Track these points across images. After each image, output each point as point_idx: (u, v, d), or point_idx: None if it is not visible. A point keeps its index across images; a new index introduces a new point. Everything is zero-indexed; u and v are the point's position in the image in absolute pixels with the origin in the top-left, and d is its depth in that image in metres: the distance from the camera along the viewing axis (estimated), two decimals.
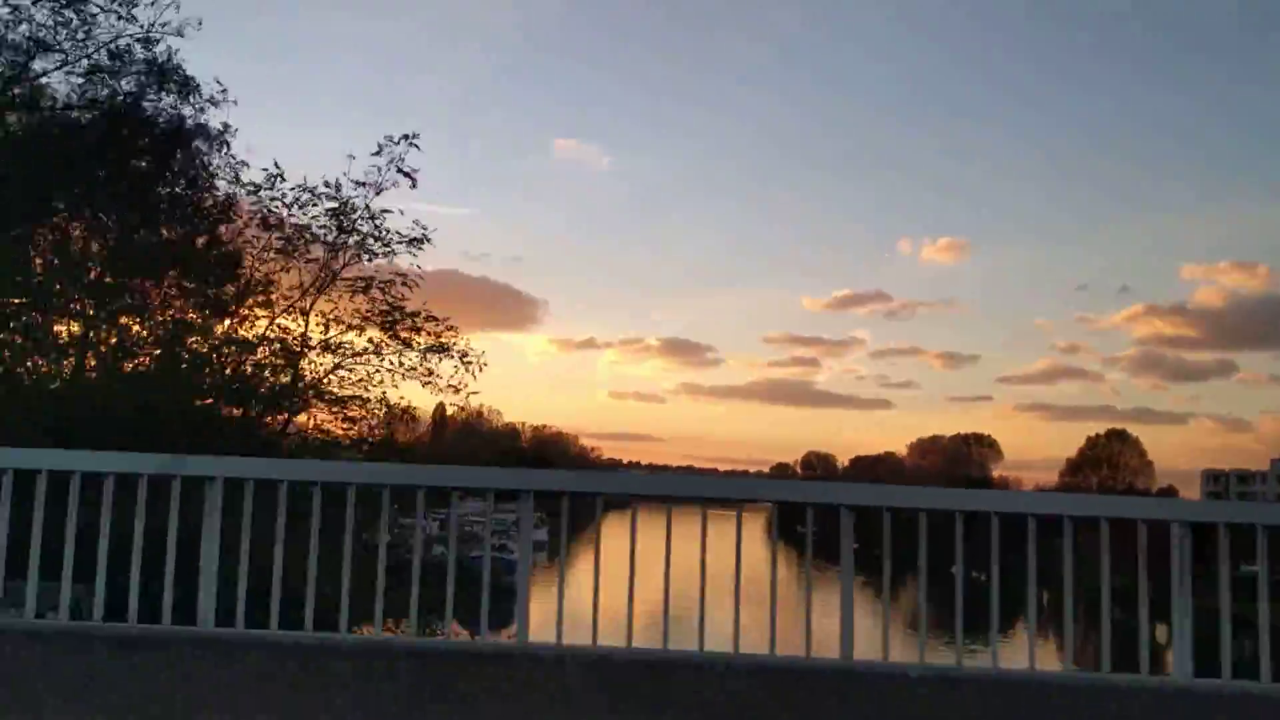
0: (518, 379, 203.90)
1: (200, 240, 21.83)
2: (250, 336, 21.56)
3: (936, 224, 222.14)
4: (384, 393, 22.06)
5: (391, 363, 22.02)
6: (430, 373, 22.37)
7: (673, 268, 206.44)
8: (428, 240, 21.98)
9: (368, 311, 21.66)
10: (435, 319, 22.12)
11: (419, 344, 22.02)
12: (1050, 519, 5.26)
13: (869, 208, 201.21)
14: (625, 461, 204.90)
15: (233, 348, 21.29)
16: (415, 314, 21.96)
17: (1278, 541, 5.11)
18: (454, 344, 22.33)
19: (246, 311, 21.68)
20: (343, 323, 21.72)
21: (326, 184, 21.35)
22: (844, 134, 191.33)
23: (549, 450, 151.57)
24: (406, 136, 21.69)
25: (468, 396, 22.12)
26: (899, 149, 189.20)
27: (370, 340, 21.91)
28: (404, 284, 21.86)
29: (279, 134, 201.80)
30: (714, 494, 5.66)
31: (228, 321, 21.63)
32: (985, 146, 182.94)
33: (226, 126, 21.58)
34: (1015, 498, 5.51)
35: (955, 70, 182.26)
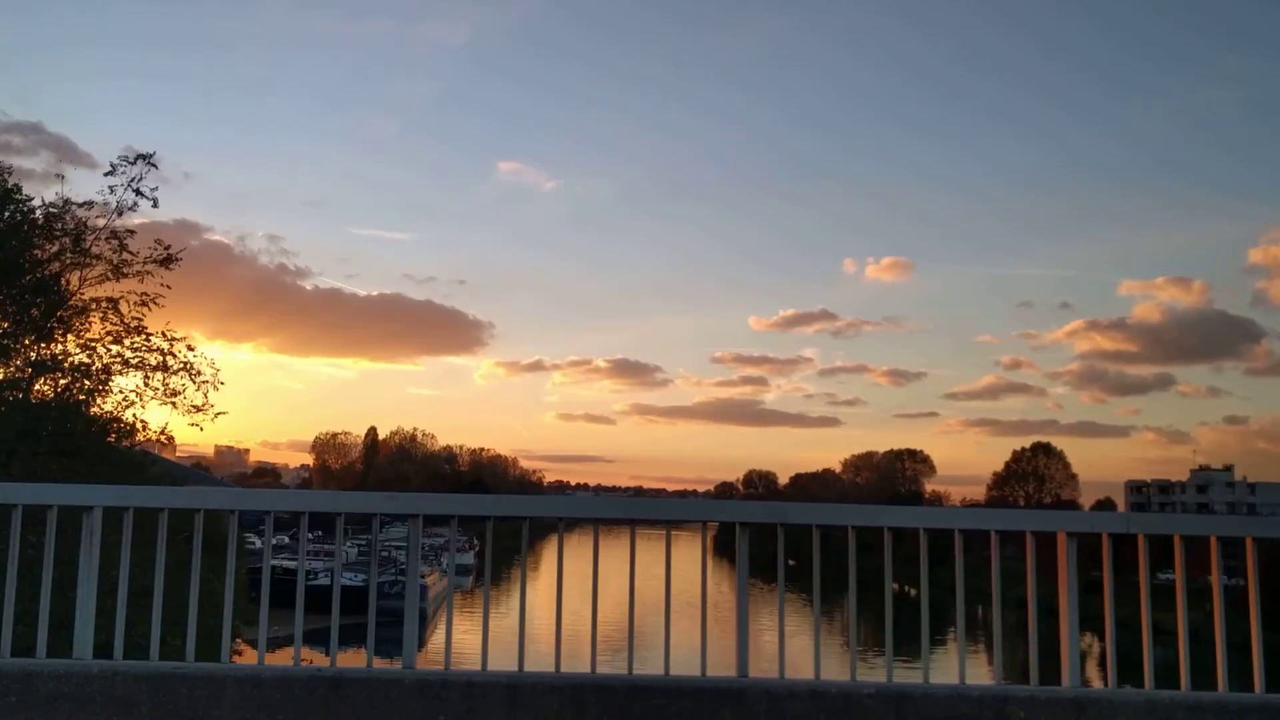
0: (464, 402, 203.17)
1: None
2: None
3: (879, 243, 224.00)
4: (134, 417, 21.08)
5: (137, 385, 21.05)
6: (174, 393, 21.07)
7: (620, 289, 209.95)
8: (175, 260, 21.56)
9: (109, 332, 20.96)
10: (172, 338, 21.33)
11: (149, 361, 21.08)
12: (971, 532, 5.37)
13: (812, 227, 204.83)
14: (573, 483, 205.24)
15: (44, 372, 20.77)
16: (145, 331, 21.17)
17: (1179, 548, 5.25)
18: (181, 361, 21.26)
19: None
20: (90, 347, 20.94)
21: (53, 206, 20.96)
22: (785, 154, 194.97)
23: (486, 473, 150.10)
24: (144, 156, 21.21)
25: (214, 417, 21.42)
26: (840, 168, 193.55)
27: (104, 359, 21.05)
28: (144, 303, 21.11)
29: (227, 165, 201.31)
30: (626, 515, 5.46)
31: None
32: (926, 165, 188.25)
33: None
34: (907, 513, 5.51)
35: (895, 88, 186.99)
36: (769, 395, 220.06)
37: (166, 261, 21.41)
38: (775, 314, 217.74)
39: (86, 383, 20.53)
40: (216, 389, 21.38)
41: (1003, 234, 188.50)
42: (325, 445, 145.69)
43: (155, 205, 21.39)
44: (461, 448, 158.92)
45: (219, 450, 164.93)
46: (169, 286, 21.50)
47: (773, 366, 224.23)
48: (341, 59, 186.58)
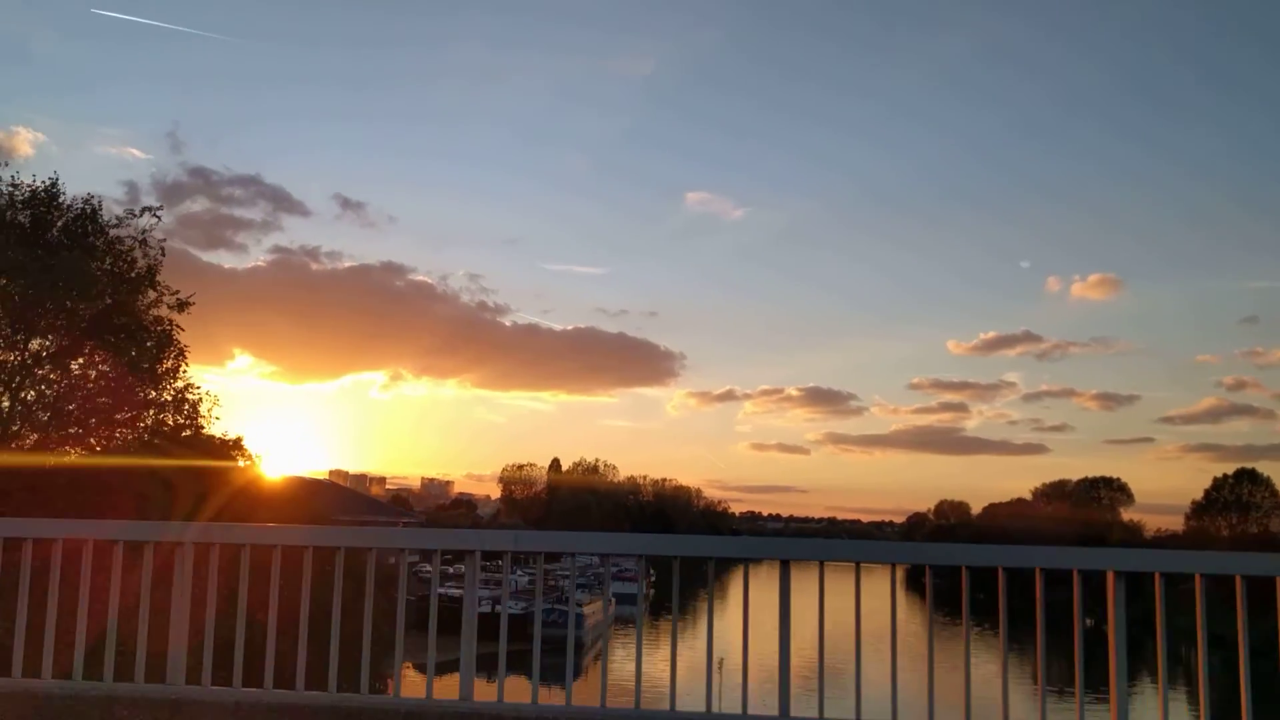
0: (657, 433, 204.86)
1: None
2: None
3: (1085, 260, 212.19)
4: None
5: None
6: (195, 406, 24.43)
7: (810, 315, 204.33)
8: (188, 304, 24.68)
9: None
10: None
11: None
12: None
13: (1011, 244, 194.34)
14: (764, 514, 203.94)
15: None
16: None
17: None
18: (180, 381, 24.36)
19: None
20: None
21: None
22: (982, 168, 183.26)
23: (669, 505, 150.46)
24: (149, 209, 24.34)
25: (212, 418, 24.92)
26: (1042, 179, 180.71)
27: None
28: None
29: (427, 206, 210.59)
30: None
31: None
32: (1136, 174, 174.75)
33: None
34: (1048, 554, 5.23)
35: (1100, 93, 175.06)
36: (970, 422, 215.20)
37: (181, 307, 24.61)
38: (975, 337, 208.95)
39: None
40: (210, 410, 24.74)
41: (1219, 247, 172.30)
42: (512, 477, 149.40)
43: (163, 254, 24.38)
44: (645, 478, 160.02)
45: (424, 482, 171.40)
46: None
47: (973, 392, 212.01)
48: (531, 97, 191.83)
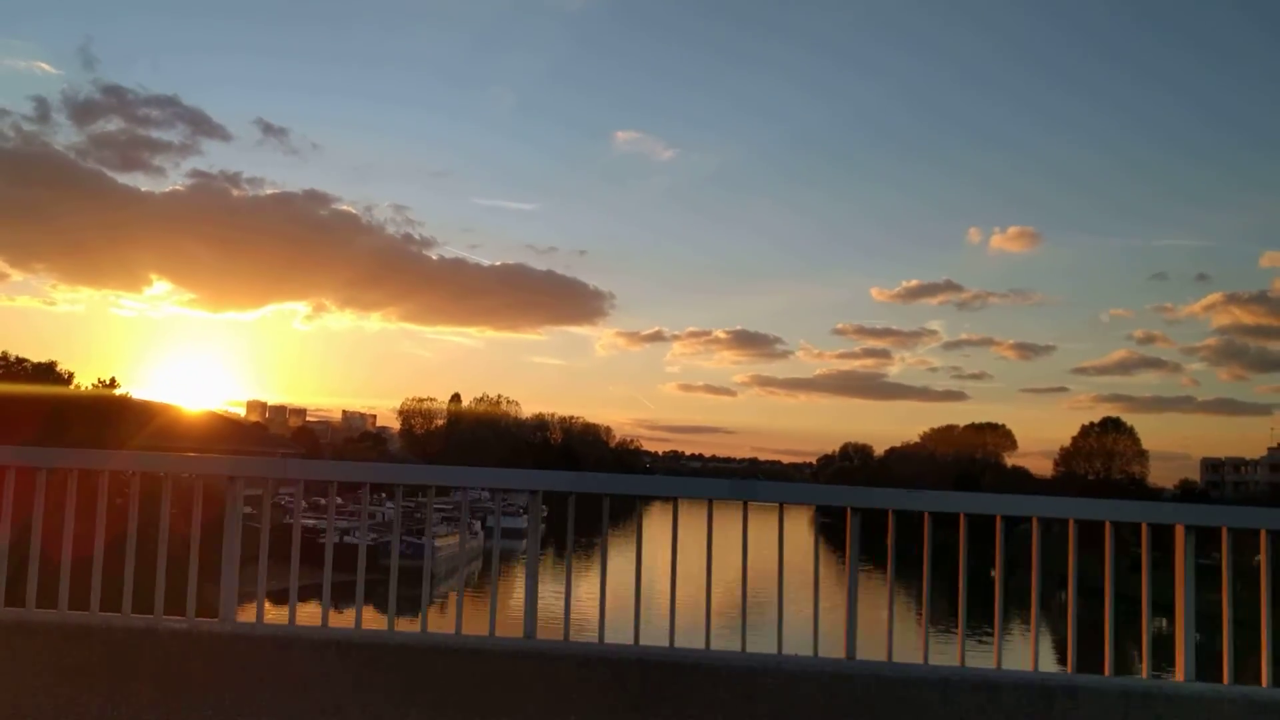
0: (586, 372, 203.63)
1: None
2: None
3: (1004, 212, 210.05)
4: None
5: None
6: None
7: (738, 258, 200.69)
8: None
9: None
10: None
11: None
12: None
13: (935, 195, 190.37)
14: (686, 453, 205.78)
15: None
16: None
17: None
18: None
19: None
20: None
21: None
22: (909, 118, 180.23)
23: (576, 443, 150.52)
24: None
25: None
26: (965, 133, 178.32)
27: None
28: None
29: (353, 137, 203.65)
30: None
31: None
32: (1054, 130, 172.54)
33: None
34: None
35: (1025, 49, 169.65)
36: (893, 368, 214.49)
37: None
38: (898, 284, 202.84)
39: None
40: None
41: (1137, 200, 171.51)
42: (411, 409, 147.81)
43: None
44: (554, 415, 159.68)
45: (345, 415, 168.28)
46: None
47: (896, 338, 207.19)
48: (456, 32, 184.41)
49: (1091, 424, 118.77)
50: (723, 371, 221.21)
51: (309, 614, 5.62)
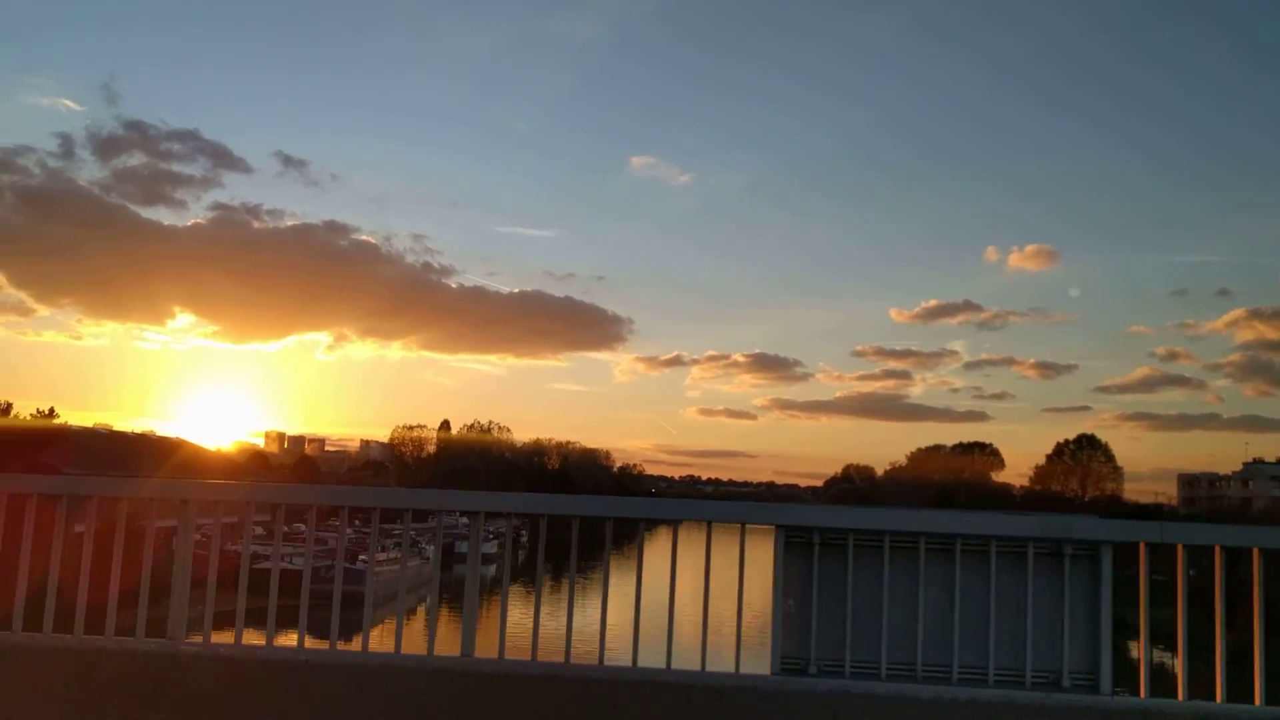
0: (606, 397, 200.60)
1: None
2: None
3: (1022, 231, 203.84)
4: None
5: None
6: None
7: (757, 282, 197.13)
8: None
9: None
10: None
11: None
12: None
13: (952, 215, 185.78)
14: (703, 478, 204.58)
15: None
16: None
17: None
18: None
19: None
20: None
21: None
22: (923, 139, 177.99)
23: (573, 469, 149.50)
24: None
25: None
26: (981, 153, 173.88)
27: None
28: None
29: (371, 167, 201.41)
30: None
31: None
32: (1071, 150, 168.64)
33: None
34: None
35: (1036, 66, 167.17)
36: (914, 389, 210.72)
37: None
38: (917, 305, 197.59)
39: None
40: None
41: (1152, 220, 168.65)
42: (401, 439, 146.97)
43: None
44: (550, 440, 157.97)
45: (363, 444, 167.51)
46: None
47: (916, 360, 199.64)
48: (472, 62, 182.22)
49: (1066, 441, 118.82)
50: (743, 395, 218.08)
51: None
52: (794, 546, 5.44)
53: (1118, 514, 79.15)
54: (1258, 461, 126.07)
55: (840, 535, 5.41)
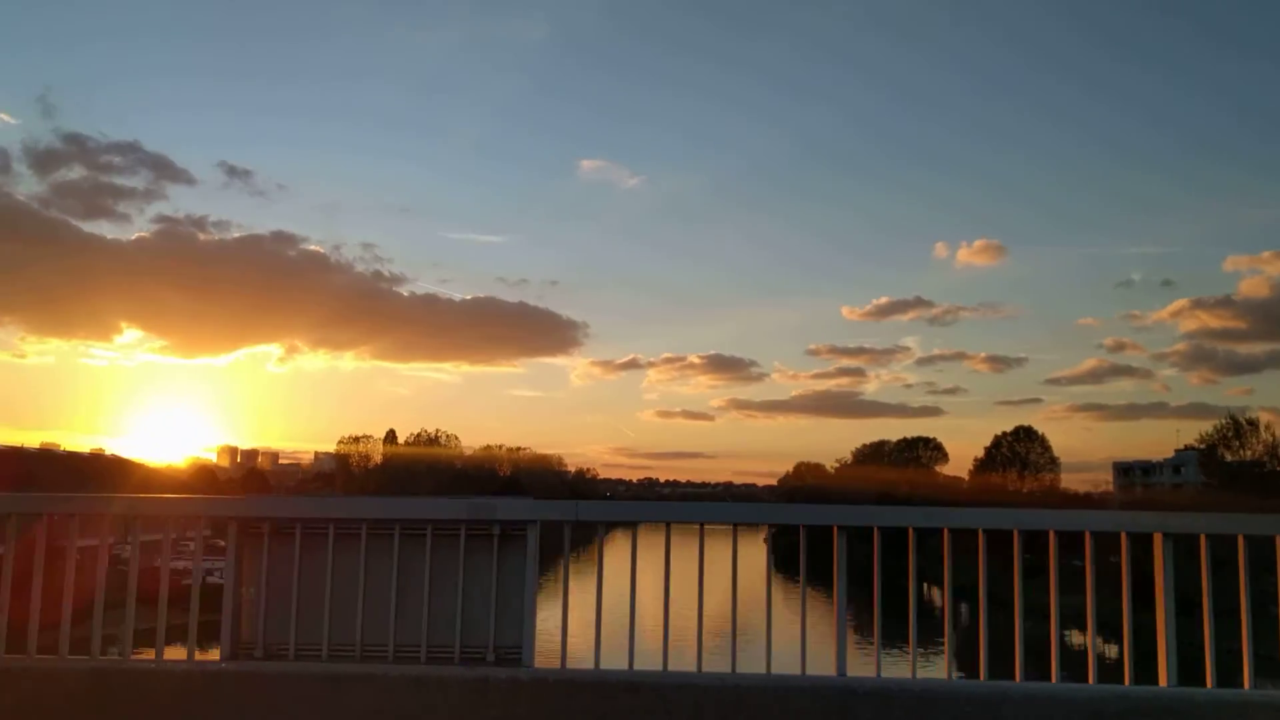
0: (563, 402, 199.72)
1: None
2: None
3: (970, 225, 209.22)
4: None
5: None
6: None
7: (710, 283, 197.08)
8: None
9: None
10: None
11: None
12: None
13: (904, 211, 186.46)
14: (662, 480, 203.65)
15: None
16: None
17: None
18: None
19: None
20: None
21: None
22: (869, 135, 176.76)
23: (524, 475, 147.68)
24: None
25: None
26: (927, 146, 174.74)
27: None
28: None
29: (318, 176, 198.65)
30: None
31: None
32: (1017, 139, 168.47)
33: None
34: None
35: (979, 64, 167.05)
36: (869, 386, 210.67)
37: None
38: (868, 303, 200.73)
39: None
40: None
41: (1099, 210, 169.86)
42: (348, 450, 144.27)
43: None
44: (501, 447, 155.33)
45: (317, 456, 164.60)
46: None
47: (870, 357, 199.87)
48: (420, 68, 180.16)
49: (1004, 434, 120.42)
50: (700, 397, 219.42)
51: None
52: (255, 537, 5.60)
53: (1054, 504, 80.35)
54: (1189, 448, 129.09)
55: (292, 526, 5.57)
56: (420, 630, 5.38)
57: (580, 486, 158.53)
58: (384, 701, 4.95)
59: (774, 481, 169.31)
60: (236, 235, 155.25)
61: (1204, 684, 4.94)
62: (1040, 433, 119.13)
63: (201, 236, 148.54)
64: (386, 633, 5.37)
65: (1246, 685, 4.95)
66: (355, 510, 5.70)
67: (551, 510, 5.51)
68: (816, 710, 4.85)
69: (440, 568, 5.45)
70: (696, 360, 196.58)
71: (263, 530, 5.53)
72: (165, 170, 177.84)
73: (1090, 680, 5.01)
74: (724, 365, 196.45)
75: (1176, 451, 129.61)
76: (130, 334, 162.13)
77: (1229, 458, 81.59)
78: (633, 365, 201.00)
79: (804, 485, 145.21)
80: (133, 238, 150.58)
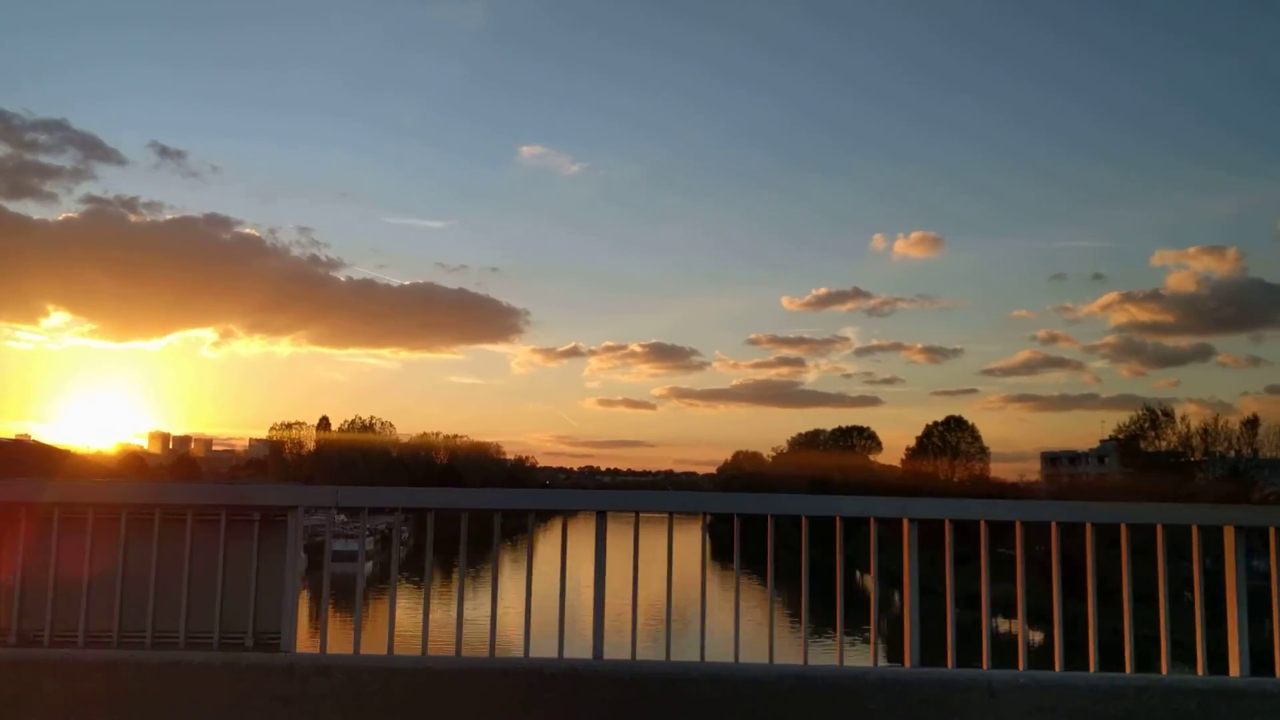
0: (503, 389, 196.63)
1: None
2: None
3: (908, 217, 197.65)
4: None
5: None
6: None
7: (651, 271, 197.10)
8: None
9: None
10: None
11: None
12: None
13: (837, 204, 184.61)
14: (602, 469, 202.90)
15: None
16: None
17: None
18: None
19: None
20: None
21: None
22: (812, 128, 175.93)
23: (461, 463, 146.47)
24: None
25: None
26: (858, 142, 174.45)
27: None
28: None
29: (254, 158, 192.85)
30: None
31: None
32: (946, 135, 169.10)
33: None
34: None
35: (917, 58, 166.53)
36: (808, 375, 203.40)
37: None
38: (808, 293, 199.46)
39: None
40: None
41: (1037, 200, 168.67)
42: (281, 437, 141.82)
43: None
44: (438, 434, 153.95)
45: (252, 443, 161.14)
46: None
47: (809, 347, 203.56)
48: (357, 52, 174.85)
49: (935, 423, 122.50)
50: (641, 385, 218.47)
51: None
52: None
53: (982, 494, 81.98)
54: (1112, 439, 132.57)
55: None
56: (179, 616, 5.35)
57: (519, 474, 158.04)
58: (130, 687, 4.91)
59: (714, 470, 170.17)
60: (169, 217, 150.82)
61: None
62: (970, 423, 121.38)
63: (132, 218, 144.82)
64: (146, 619, 5.33)
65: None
66: (115, 495, 5.63)
67: (312, 497, 5.51)
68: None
69: (202, 555, 5.41)
70: (638, 349, 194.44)
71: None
72: (94, 150, 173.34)
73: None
74: (665, 354, 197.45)
75: (1101, 442, 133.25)
76: (58, 317, 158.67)
77: (1147, 448, 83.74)
78: (574, 353, 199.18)
79: (742, 473, 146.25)
80: (60, 218, 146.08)
